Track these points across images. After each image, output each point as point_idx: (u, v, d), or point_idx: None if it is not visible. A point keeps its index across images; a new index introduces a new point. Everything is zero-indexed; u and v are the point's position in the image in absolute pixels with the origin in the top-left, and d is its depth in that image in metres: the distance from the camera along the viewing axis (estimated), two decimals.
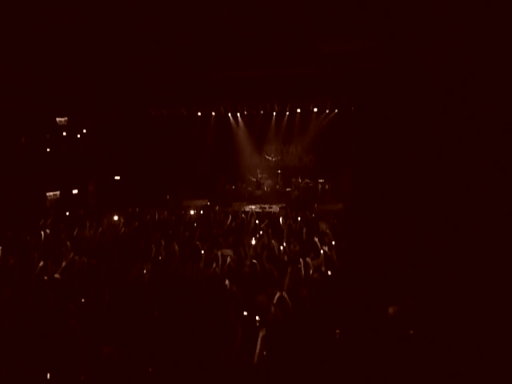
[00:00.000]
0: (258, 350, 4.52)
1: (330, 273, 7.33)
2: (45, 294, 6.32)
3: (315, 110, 18.39)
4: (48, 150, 15.70)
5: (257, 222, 11.58)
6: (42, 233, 10.34)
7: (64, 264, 8.09)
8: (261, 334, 4.75)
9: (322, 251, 7.96)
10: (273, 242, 9.10)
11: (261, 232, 10.17)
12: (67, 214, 14.68)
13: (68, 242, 9.47)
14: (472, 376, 3.87)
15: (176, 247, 8.73)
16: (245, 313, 5.82)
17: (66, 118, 16.00)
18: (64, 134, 16.33)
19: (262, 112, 19.13)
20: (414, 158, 13.83)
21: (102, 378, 4.21)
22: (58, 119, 15.89)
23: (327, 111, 18.62)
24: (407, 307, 5.33)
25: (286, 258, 8.15)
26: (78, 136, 17.13)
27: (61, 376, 4.11)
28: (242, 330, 4.98)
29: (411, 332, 4.57)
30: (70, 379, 4.09)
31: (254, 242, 9.18)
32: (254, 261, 7.49)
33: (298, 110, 18.58)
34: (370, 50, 12.20)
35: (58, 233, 10.95)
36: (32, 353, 4.55)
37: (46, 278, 7.31)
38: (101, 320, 5.64)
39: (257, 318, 5.54)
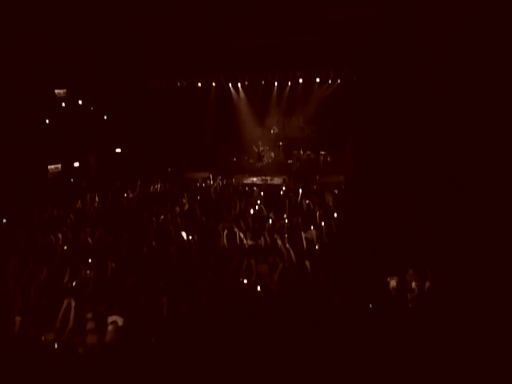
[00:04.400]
0: None
1: (330, 244, 7.41)
2: (51, 264, 6.45)
3: (317, 80, 18.08)
4: (48, 122, 15.56)
5: (261, 194, 11.61)
6: (47, 206, 10.41)
7: (69, 235, 8.21)
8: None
9: (322, 223, 8.02)
10: (272, 214, 9.16)
11: (262, 205, 10.19)
12: (69, 186, 14.79)
13: (72, 215, 9.56)
14: (471, 348, 3.97)
15: (179, 220, 8.81)
16: (245, 281, 5.94)
17: (65, 90, 15.79)
18: (63, 105, 16.14)
19: (263, 82, 18.80)
20: (416, 129, 13.70)
21: (107, 347, 4.34)
22: (56, 91, 15.68)
23: (330, 81, 18.30)
24: (407, 278, 5.42)
25: (287, 230, 8.22)
26: (78, 108, 16.94)
27: (67, 345, 4.24)
28: (243, 299, 5.10)
29: (410, 305, 4.65)
30: (77, 347, 4.22)
31: (252, 212, 9.26)
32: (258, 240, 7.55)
33: (300, 81, 18.27)
34: (374, 17, 11.87)
35: (62, 205, 11.03)
36: (39, 321, 4.67)
37: (51, 248, 7.43)
38: (106, 290, 5.77)
39: (258, 288, 5.65)
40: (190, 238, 7.75)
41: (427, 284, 5.27)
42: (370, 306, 4.68)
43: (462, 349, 3.97)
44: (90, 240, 7.79)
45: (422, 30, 12.17)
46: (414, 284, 5.39)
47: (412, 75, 13.37)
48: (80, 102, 16.90)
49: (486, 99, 9.84)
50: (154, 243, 7.45)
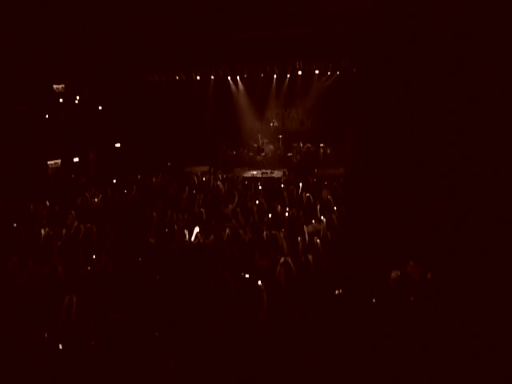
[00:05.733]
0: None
1: (331, 238, 7.41)
2: (52, 260, 6.45)
3: (317, 72, 17.99)
4: (47, 117, 15.53)
5: (261, 187, 11.59)
6: (47, 202, 10.42)
7: (69, 231, 8.22)
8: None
9: (322, 217, 8.02)
10: (273, 208, 9.15)
11: (262, 198, 10.18)
12: (69, 182, 14.79)
13: (72, 211, 9.55)
14: (472, 340, 3.97)
15: (180, 216, 8.80)
16: (247, 275, 5.94)
17: (63, 85, 15.71)
18: (61, 101, 16.08)
19: (262, 75, 18.70)
20: (417, 122, 13.63)
21: (111, 342, 4.35)
22: (54, 86, 15.61)
23: (329, 73, 18.20)
24: (409, 270, 5.42)
25: (288, 224, 8.22)
26: (76, 103, 16.88)
27: (72, 342, 4.24)
28: (235, 289, 5.12)
29: (412, 298, 4.65)
30: (81, 344, 4.23)
31: (255, 208, 9.24)
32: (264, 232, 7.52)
33: (299, 73, 18.17)
34: (373, 8, 11.78)
35: (62, 201, 11.04)
36: (41, 320, 4.68)
37: (52, 245, 7.43)
38: (107, 286, 5.77)
39: (259, 282, 5.65)
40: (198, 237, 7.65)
41: (429, 276, 5.27)
42: (373, 299, 4.69)
43: (464, 341, 3.98)
44: (91, 235, 7.79)
45: (422, 21, 12.06)
46: (415, 276, 5.39)
47: (412, 66, 13.26)
48: (78, 97, 16.83)
49: (487, 89, 9.77)
50: (154, 239, 7.45)
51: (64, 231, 8.22)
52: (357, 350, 4.01)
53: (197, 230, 7.72)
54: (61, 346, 4.01)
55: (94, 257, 6.71)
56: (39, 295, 5.24)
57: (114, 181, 13.91)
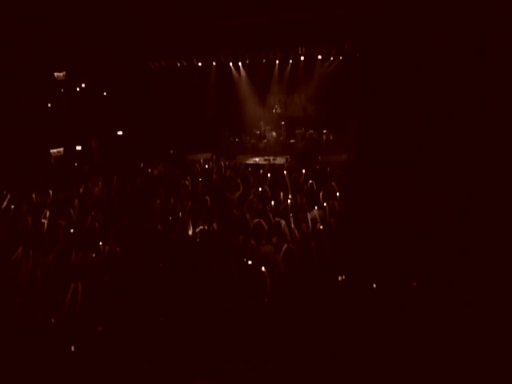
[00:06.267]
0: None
1: (334, 224, 7.43)
2: (58, 249, 6.52)
3: (319, 57, 17.80)
4: (49, 106, 15.50)
5: (264, 174, 11.58)
6: (50, 190, 10.46)
7: (73, 219, 8.28)
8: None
9: (325, 204, 8.03)
10: (276, 195, 9.16)
11: (266, 185, 10.19)
12: (73, 170, 14.85)
13: (76, 199, 9.59)
14: (473, 326, 4.01)
15: (186, 203, 8.83)
16: (249, 262, 5.98)
17: (65, 73, 15.64)
18: (62, 90, 16.03)
19: (264, 61, 18.54)
20: (420, 107, 13.53)
21: (116, 328, 4.42)
22: (56, 74, 15.54)
23: (332, 59, 18.02)
24: (411, 256, 5.45)
25: (291, 211, 8.24)
26: (78, 91, 16.82)
27: (77, 328, 4.32)
28: (239, 276, 5.17)
29: (414, 284, 4.69)
30: (87, 330, 4.30)
31: (258, 195, 9.25)
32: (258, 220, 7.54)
33: (302, 58, 17.98)
34: None
35: (66, 189, 11.09)
36: (47, 305, 4.76)
37: (57, 233, 7.48)
38: (112, 272, 5.84)
39: (263, 268, 5.70)
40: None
41: (431, 262, 5.30)
42: (374, 285, 4.73)
43: (465, 326, 4.02)
44: (95, 224, 7.84)
45: (425, 5, 11.87)
46: (417, 262, 5.42)
47: (416, 51, 13.12)
48: (80, 85, 16.77)
49: (492, 76, 9.66)
50: (159, 226, 7.48)
51: (68, 219, 8.28)
52: (360, 336, 4.06)
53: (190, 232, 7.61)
54: (65, 329, 4.06)
55: (101, 243, 6.75)
56: (45, 283, 5.31)
57: (117, 169, 13.92)
